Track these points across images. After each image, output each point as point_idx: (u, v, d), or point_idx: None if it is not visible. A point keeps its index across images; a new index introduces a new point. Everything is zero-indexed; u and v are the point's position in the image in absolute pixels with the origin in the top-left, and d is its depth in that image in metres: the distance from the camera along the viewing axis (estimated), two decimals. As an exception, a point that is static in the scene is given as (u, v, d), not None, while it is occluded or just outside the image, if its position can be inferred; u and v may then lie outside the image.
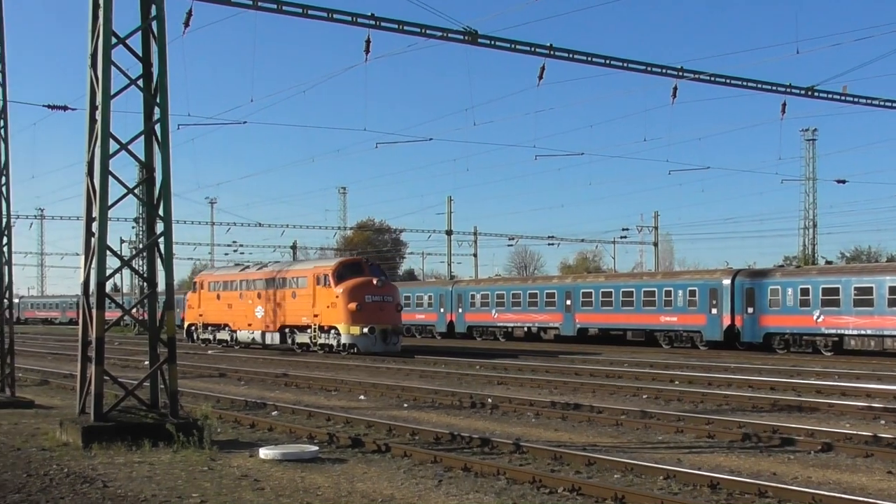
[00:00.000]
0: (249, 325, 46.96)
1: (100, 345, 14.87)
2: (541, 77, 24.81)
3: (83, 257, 15.51)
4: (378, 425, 17.40)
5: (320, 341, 42.41)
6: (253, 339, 46.83)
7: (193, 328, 52.29)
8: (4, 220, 21.23)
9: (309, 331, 43.10)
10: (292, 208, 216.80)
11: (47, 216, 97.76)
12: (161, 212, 15.30)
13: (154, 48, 15.21)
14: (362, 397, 23.42)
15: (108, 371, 15.25)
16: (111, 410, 15.23)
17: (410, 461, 13.81)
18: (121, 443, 14.51)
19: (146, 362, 33.55)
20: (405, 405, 21.59)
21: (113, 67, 14.86)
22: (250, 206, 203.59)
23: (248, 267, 51.34)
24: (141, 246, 69.63)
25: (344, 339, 40.89)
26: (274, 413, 19.88)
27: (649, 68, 27.03)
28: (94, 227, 15.04)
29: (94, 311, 14.89)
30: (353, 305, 40.44)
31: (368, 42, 23.01)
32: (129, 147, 15.33)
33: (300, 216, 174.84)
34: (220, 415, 18.77)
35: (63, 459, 13.70)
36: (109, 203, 14.94)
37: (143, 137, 15.47)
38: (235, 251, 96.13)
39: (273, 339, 45.42)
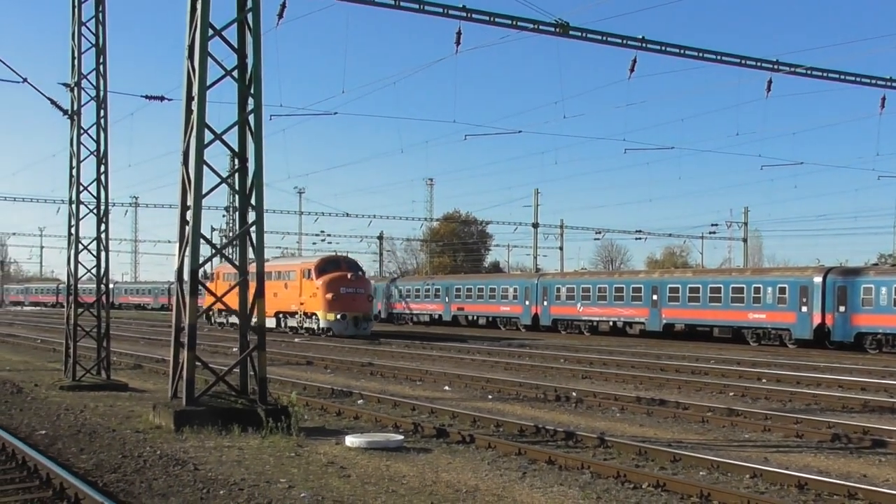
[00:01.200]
0: None
1: (192, 331, 15.22)
2: (632, 70, 24.57)
3: (178, 245, 15.88)
4: (462, 416, 17.47)
5: (305, 325, 49.69)
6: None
7: (211, 312, 57.43)
8: (103, 208, 21.84)
9: (297, 316, 50.31)
10: (379, 199, 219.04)
11: (141, 204, 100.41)
12: (253, 201, 15.58)
13: (249, 39, 15.47)
14: (447, 388, 23.52)
15: (199, 357, 15.59)
16: (202, 395, 15.57)
17: (495, 453, 13.84)
18: (211, 427, 14.83)
19: (234, 349, 34.43)
20: (489, 397, 21.62)
21: (209, 58, 15.18)
22: (339, 197, 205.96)
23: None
24: (231, 234, 70.49)
25: (322, 324, 48.10)
26: (359, 401, 20.10)
27: (743, 61, 26.54)
28: (189, 215, 15.39)
29: (187, 298, 15.25)
30: (329, 295, 47.64)
31: (459, 34, 23.03)
32: (223, 137, 15.59)
33: (387, 207, 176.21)
34: (307, 402, 19.08)
35: (156, 442, 14.07)
36: (203, 192, 15.27)
37: (236, 127, 15.74)
38: (323, 240, 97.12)
39: (270, 322, 50.36)
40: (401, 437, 14.62)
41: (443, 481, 11.59)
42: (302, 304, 49.87)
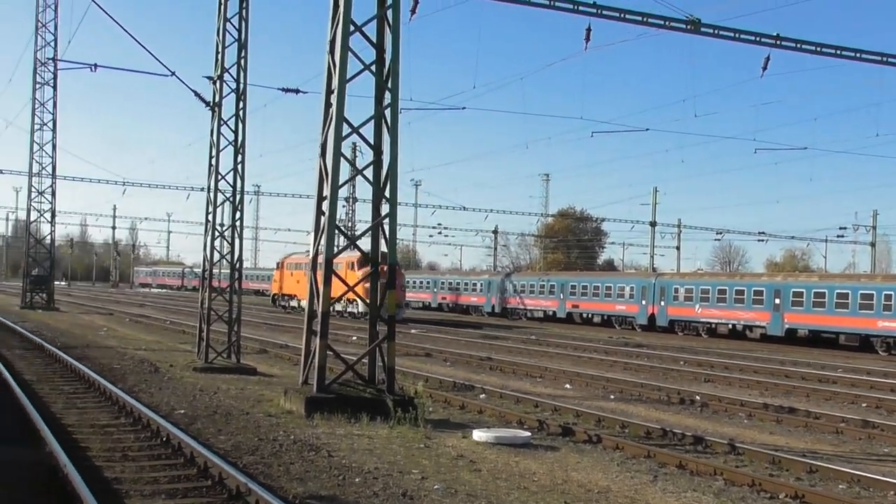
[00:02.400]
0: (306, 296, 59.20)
1: (325, 319, 15.49)
2: (765, 68, 23.98)
3: (312, 234, 16.18)
4: (586, 415, 17.35)
5: (349, 309, 56.88)
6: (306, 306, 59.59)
7: (276, 297, 67.97)
8: (238, 196, 22.44)
9: (342, 302, 56.11)
10: (496, 193, 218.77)
11: (263, 192, 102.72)
12: (387, 193, 15.76)
13: (388, 35, 15.64)
14: (568, 386, 23.39)
15: (331, 345, 15.84)
16: (332, 383, 15.82)
17: (623, 454, 13.70)
18: (340, 414, 15.06)
19: (354, 337, 34.90)
20: (612, 397, 21.41)
21: (349, 53, 15.39)
22: (457, 191, 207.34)
23: (309, 253, 62.36)
24: (351, 225, 71.75)
25: (361, 308, 53.63)
26: (482, 396, 20.15)
27: (885, 59, 25.59)
28: (325, 205, 15.66)
29: (321, 287, 15.52)
30: (367, 286, 51.23)
31: (589, 30, 22.84)
32: (360, 130, 15.80)
33: (503, 201, 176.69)
34: (431, 394, 19.22)
35: (288, 426, 14.36)
36: (339, 183, 15.52)
37: (372, 121, 15.93)
38: (440, 233, 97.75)
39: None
40: (528, 433, 14.60)
41: (573, 480, 11.52)
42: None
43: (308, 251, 74.11)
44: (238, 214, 22.49)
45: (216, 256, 23.14)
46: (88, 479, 9.73)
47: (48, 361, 23.23)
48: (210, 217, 22.34)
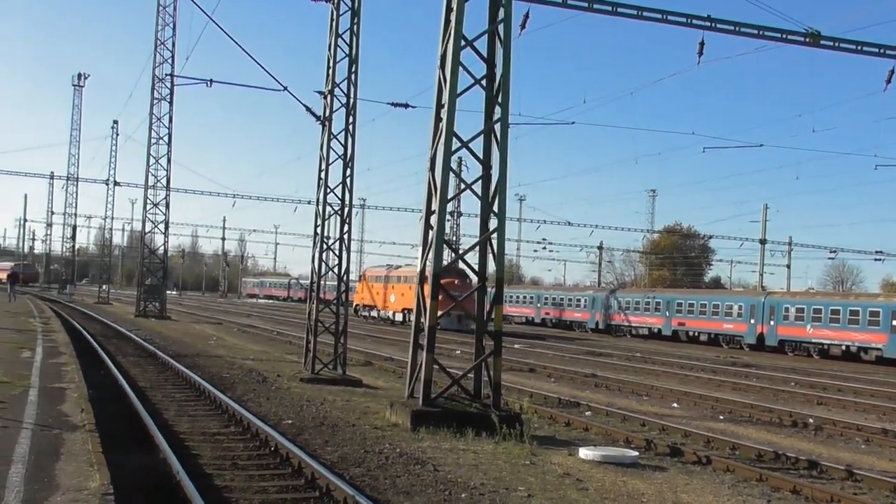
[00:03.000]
0: (386, 306, 66.10)
1: (432, 333, 15.50)
2: (889, 81, 23.16)
3: (420, 248, 16.23)
4: (695, 436, 16.98)
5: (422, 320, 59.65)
6: (388, 316, 65.61)
7: (358, 307, 71.66)
8: (346, 209, 22.69)
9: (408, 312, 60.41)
10: (602, 209, 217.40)
11: (368, 206, 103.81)
12: (495, 208, 15.72)
13: (498, 50, 15.63)
14: (675, 405, 22.95)
15: (437, 359, 15.85)
16: (438, 397, 15.82)
17: (734, 477, 13.35)
18: (446, 429, 15.02)
19: (458, 351, 34.88)
20: (720, 417, 20.93)
21: (459, 68, 15.43)
22: (563, 206, 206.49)
23: (390, 267, 71.61)
24: (457, 239, 72.26)
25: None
26: (587, 413, 19.91)
27: None
28: (434, 220, 15.69)
29: (428, 301, 15.55)
30: (440, 297, 58.13)
31: (702, 44, 22.45)
32: (469, 145, 15.81)
33: (609, 217, 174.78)
34: (536, 410, 19.06)
35: (394, 439, 14.40)
36: (448, 197, 15.54)
37: (481, 136, 15.92)
38: (544, 248, 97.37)
39: (398, 317, 63.59)
40: (635, 453, 14.36)
41: (682, 502, 11.25)
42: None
43: (388, 265, 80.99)
44: (346, 227, 22.76)
45: (323, 269, 23.41)
46: (200, 487, 9.90)
47: (160, 369, 23.82)
48: (319, 230, 22.63)
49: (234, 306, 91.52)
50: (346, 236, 22.94)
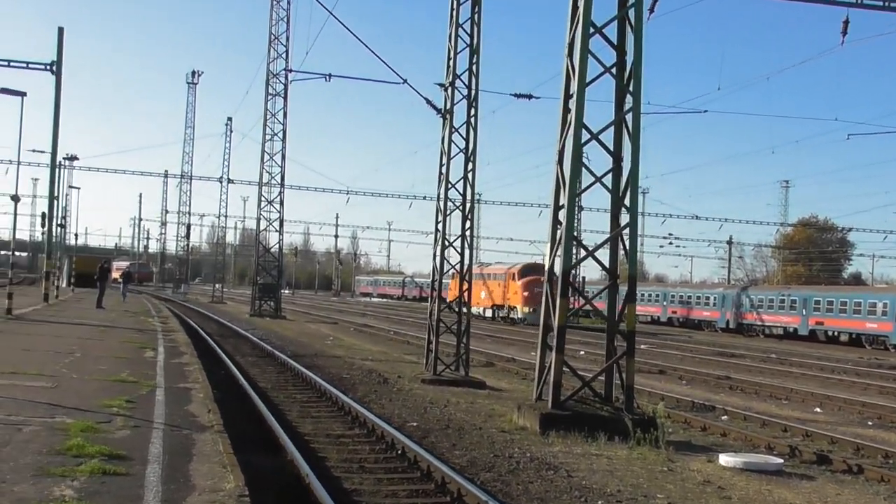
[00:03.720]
0: (478, 302, 67.06)
1: (562, 333, 15.46)
2: None
3: (549, 245, 16.20)
4: (842, 442, 16.52)
5: (510, 315, 64.40)
6: (479, 312, 67.25)
7: (452, 304, 74.32)
8: (469, 205, 22.80)
9: (504, 308, 65.65)
10: (732, 202, 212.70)
11: (485, 201, 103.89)
12: (627, 202, 15.58)
13: (629, 36, 15.49)
14: (818, 409, 22.36)
15: (566, 361, 15.81)
16: (567, 400, 15.78)
17: (888, 488, 12.96)
18: (576, 433, 14.97)
19: (582, 352, 34.71)
20: (869, 423, 20.33)
21: (588, 56, 15.35)
22: (690, 199, 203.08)
23: (481, 264, 74.30)
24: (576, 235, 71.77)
25: (519, 315, 62.39)
26: (724, 417, 19.58)
27: None
28: (562, 215, 15.65)
29: (558, 300, 15.51)
30: (526, 294, 61.31)
31: (846, 23, 21.77)
32: (599, 136, 15.70)
33: (739, 210, 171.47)
34: (668, 414, 18.81)
35: (523, 444, 14.41)
36: (577, 191, 15.48)
37: (611, 127, 15.80)
38: (670, 243, 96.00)
39: (488, 312, 68.23)
40: (779, 460, 14.06)
41: (836, 514, 10.97)
42: (507, 299, 65.41)
43: (480, 262, 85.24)
44: (468, 224, 22.87)
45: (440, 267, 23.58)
46: (330, 489, 10.09)
47: (280, 370, 24.36)
48: (440, 226, 22.79)
49: (348, 305, 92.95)
50: (468, 233, 23.05)
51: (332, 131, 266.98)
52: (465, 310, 23.49)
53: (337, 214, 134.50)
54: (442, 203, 22.86)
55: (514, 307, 64.11)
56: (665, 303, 77.32)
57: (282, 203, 55.19)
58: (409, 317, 65.98)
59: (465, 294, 23.49)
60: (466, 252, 23.45)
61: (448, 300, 76.13)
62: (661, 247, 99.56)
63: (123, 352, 21.65)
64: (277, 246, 56.90)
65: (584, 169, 15.92)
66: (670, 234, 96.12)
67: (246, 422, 14.82)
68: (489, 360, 31.33)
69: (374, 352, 32.67)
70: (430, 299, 24.24)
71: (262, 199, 55.25)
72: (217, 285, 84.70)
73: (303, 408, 17.45)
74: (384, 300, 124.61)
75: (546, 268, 16.45)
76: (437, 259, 23.36)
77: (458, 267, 23.96)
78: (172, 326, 34.79)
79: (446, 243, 23.29)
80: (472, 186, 22.90)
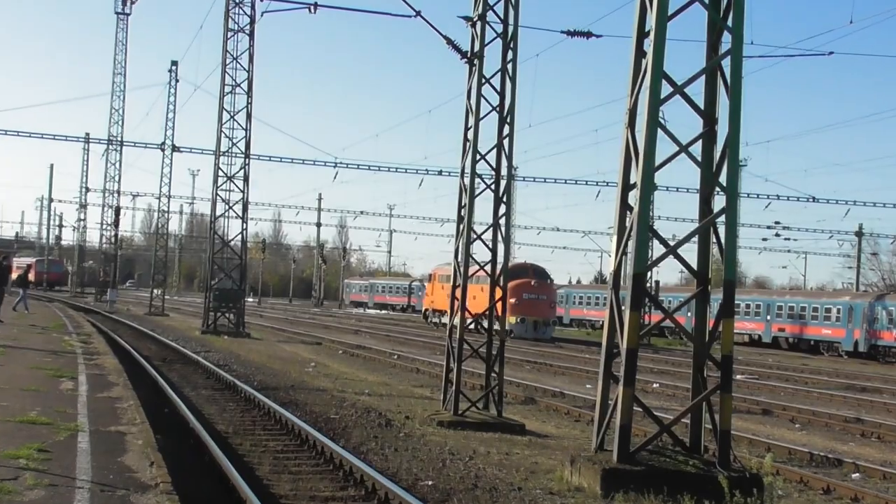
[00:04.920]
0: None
1: (632, 359, 15.45)
2: None
3: (613, 238, 16.21)
4: None
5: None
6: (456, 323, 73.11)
7: (427, 312, 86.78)
8: (504, 183, 22.78)
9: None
10: (863, 178, 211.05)
11: (521, 177, 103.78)
12: (723, 179, 15.56)
13: (727, -48, 15.47)
14: (983, 465, 22.30)
15: (638, 397, 15.81)
16: (639, 449, 15.77)
17: None
18: (652, 495, 14.95)
19: (655, 385, 34.67)
20: None
21: (669, -20, 15.35)
22: (806, 174, 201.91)
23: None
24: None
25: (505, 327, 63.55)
26: (855, 476, 19.59)
27: None
28: (633, 196, 15.65)
29: (626, 313, 15.51)
30: (512, 300, 63.27)
31: None
32: (686, 90, 15.70)
33: (873, 190, 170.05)
34: (778, 470, 18.83)
35: (581, 511, 14.47)
36: (655, 165, 15.48)
37: (702, 77, 15.78)
38: (777, 235, 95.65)
39: (469, 325, 68.99)
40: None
41: None
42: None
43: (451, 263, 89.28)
44: (503, 209, 22.85)
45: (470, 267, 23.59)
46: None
47: (245, 406, 24.44)
48: (464, 212, 22.79)
49: (336, 319, 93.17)
50: (502, 221, 23.04)
51: (317, 83, 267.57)
52: (497, 326, 23.50)
53: (320, 195, 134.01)
54: (467, 180, 22.85)
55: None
56: (769, 317, 77.22)
57: (246, 179, 55.33)
58: (418, 335, 66.10)
59: (498, 305, 23.49)
60: (500, 247, 23.42)
61: (424, 307, 75.30)
62: (765, 240, 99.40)
63: (32, 382, 21.77)
64: (240, 237, 56.96)
65: (664, 134, 15.89)
66: (777, 223, 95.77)
67: (201, 478, 14.89)
68: (529, 394, 31.39)
69: (373, 383, 32.76)
70: (449, 311, 24.26)
71: (220, 173, 55.33)
72: (157, 291, 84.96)
73: (277, 460, 17.50)
74: (384, 312, 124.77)
75: (611, 269, 16.44)
76: (460, 256, 23.35)
77: (496, 269, 23.97)
78: (97, 347, 34.96)
79: (472, 235, 23.26)
80: (509, 157, 22.88)
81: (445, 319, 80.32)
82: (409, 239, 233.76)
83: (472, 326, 75.75)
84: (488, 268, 23.97)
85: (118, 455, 13.78)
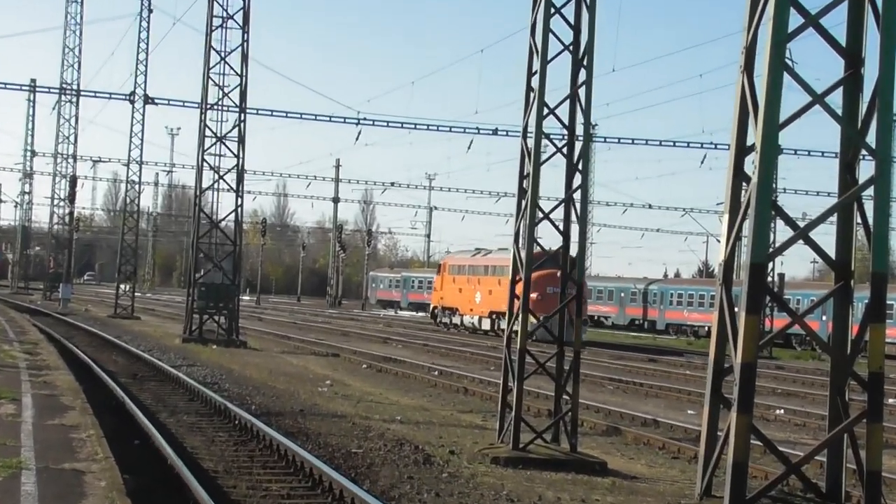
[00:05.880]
0: (471, 310, 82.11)
1: (748, 376, 15.36)
2: None
3: (725, 217, 16.12)
4: None
5: (515, 327, 66.33)
6: (473, 324, 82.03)
7: (436, 311, 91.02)
8: (581, 144, 22.68)
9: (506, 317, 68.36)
10: None
11: (601, 138, 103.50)
12: (872, 140, 15.45)
13: None
14: None
15: (757, 428, 15.73)
16: (759, 496, 15.71)
17: None
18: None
19: (779, 411, 34.52)
20: None
21: None
22: None
23: (478, 252, 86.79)
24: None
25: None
26: None
27: None
28: (750, 165, 15.54)
29: (741, 316, 15.42)
30: (533, 295, 62.91)
31: None
32: (822, 22, 15.57)
33: None
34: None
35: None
36: (781, 121, 15.37)
37: (843, 4, 15.68)
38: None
39: (485, 324, 79.40)
40: None
41: None
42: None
43: (476, 249, 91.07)
44: (578, 179, 22.75)
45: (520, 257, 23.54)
46: None
47: (239, 437, 24.48)
48: (528, 183, 22.69)
49: (358, 323, 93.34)
50: (576, 196, 22.95)
51: (334, 16, 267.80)
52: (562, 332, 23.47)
53: (338, 161, 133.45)
54: (531, 142, 22.77)
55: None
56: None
57: (241, 141, 55.16)
58: (466, 343, 66.12)
59: (574, 303, 23.44)
60: (574, 229, 23.34)
61: (432, 304, 77.95)
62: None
63: (-40, 405, 21.91)
64: (233, 217, 56.84)
65: (791, 80, 15.79)
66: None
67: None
68: (612, 422, 31.25)
69: (407, 407, 32.73)
70: (507, 314, 24.20)
71: (207, 132, 55.25)
72: (124, 287, 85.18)
73: (285, 508, 17.58)
74: (421, 314, 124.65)
75: (721, 258, 16.36)
76: (523, 239, 23.29)
77: (567, 258, 23.90)
78: (47, 360, 35.16)
79: (538, 213, 23.19)
80: (586, 112, 22.77)
81: (457, 319, 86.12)
82: (455, 219, 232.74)
83: (487, 327, 78.92)
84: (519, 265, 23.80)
85: (74, 501, 13.80)
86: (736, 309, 15.81)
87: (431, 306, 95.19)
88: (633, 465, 24.39)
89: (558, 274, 78.27)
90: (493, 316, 76.50)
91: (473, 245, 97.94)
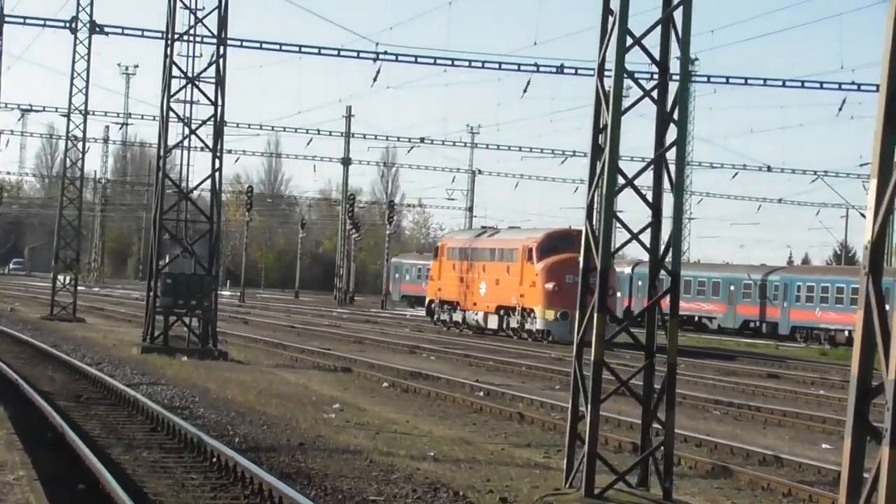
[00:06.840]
0: (474, 304, 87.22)
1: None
2: None
3: (873, 183, 16.09)
4: None
5: (526, 326, 79.08)
6: (477, 321, 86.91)
7: (433, 304, 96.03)
8: (675, 89, 22.70)
9: (516, 313, 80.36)
10: None
11: (703, 77, 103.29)
12: None
13: None
14: None
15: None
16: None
17: None
18: None
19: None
20: None
21: None
22: None
23: (484, 232, 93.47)
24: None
25: (538, 325, 77.48)
26: None
27: None
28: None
29: (893, 316, 15.36)
30: (549, 285, 74.79)
31: None
32: None
33: None
34: None
35: None
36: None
37: None
38: None
39: (491, 322, 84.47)
40: None
41: None
42: (522, 296, 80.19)
43: (482, 227, 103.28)
44: (673, 133, 22.76)
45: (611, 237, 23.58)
46: None
47: (219, 481, 24.52)
48: (606, 139, 22.74)
49: (377, 326, 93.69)
50: (670, 154, 22.98)
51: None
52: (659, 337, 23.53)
53: (349, 109, 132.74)
54: (609, 82, 22.77)
55: (531, 310, 78.66)
56: None
57: (220, 83, 55.17)
58: (521, 353, 66.21)
59: (667, 299, 23.46)
60: (667, 198, 23.33)
61: (427, 298, 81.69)
62: None
63: None
64: (209, 185, 56.88)
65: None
66: None
67: None
68: (720, 458, 31.21)
69: (443, 439, 32.75)
70: (578, 314, 24.16)
71: (175, 71, 55.32)
72: (64, 278, 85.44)
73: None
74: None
75: (867, 239, 16.31)
76: (597, 214, 23.30)
77: (659, 238, 23.95)
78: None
79: (618, 179, 23.21)
80: (685, 44, 22.77)
81: (458, 316, 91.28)
82: (506, 185, 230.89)
83: (494, 326, 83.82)
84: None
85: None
86: (888, 307, 15.75)
87: (427, 300, 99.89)
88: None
89: (576, 257, 77.86)
90: (502, 312, 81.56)
91: (530, 221, 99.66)
